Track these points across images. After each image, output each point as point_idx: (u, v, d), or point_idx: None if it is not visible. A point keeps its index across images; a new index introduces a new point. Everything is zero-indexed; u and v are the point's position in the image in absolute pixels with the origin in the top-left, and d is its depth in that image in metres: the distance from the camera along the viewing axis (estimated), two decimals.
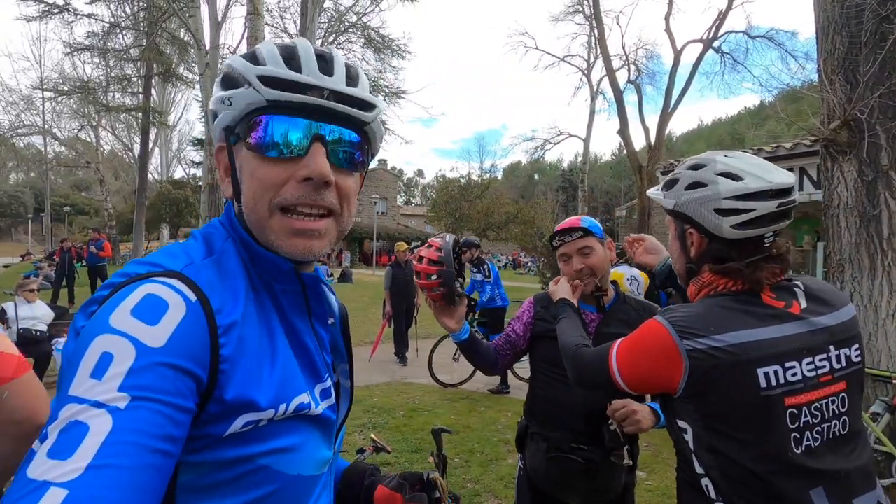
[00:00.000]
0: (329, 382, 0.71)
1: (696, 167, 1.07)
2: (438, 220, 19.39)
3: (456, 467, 3.66)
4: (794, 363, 0.91)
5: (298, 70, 0.60)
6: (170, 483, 0.50)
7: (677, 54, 20.03)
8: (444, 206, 18.54)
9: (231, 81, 0.62)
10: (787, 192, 0.98)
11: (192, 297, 0.54)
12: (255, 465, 0.58)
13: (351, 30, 21.27)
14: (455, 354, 6.71)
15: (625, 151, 21.96)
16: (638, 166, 19.56)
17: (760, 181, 0.97)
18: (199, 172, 25.85)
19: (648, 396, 1.48)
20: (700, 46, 19.91)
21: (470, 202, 17.69)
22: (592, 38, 23.05)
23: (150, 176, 24.83)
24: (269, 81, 0.59)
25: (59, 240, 13.85)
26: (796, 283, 1.03)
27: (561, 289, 1.57)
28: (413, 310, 7.27)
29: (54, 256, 12.33)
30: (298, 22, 18.41)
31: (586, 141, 27.77)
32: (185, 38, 16.57)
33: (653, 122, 20.27)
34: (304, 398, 0.63)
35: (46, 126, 23.36)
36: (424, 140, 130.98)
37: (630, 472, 1.60)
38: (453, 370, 6.35)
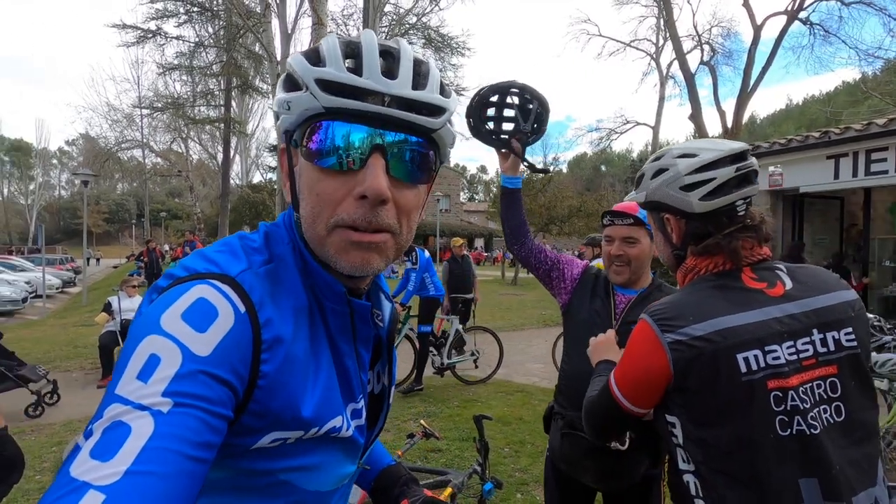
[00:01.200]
0: (361, 403, 0.70)
1: (656, 159, 1.13)
2: (499, 216, 19.29)
3: (506, 457, 3.72)
4: (776, 346, 0.89)
5: (359, 71, 0.55)
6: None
7: (757, 29, 18.48)
8: None
9: (291, 83, 0.58)
10: (741, 156, 1.02)
11: (242, 307, 0.54)
12: (276, 479, 0.59)
13: (411, 31, 21.72)
14: (475, 358, 6.41)
15: (698, 138, 20.62)
16: None
17: (714, 152, 1.03)
18: (274, 177, 27.57)
19: None
20: (784, 19, 18.23)
21: (531, 196, 17.41)
22: (661, 20, 21.86)
23: (231, 181, 26.87)
24: (327, 86, 0.54)
25: (145, 241, 15.24)
26: (778, 265, 1.01)
27: (604, 349, 1.37)
28: (470, 304, 7.36)
29: (142, 257, 13.43)
30: (361, 28, 19.12)
31: (655, 129, 26.41)
32: (260, 52, 17.77)
33: (730, 105, 18.88)
34: (338, 421, 0.63)
35: (144, 140, 25.98)
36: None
37: (654, 465, 1.56)
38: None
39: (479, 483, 2.68)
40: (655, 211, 1.14)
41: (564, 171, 53.45)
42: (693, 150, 1.06)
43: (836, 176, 6.95)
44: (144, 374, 0.48)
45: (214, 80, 19.58)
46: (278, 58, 16.70)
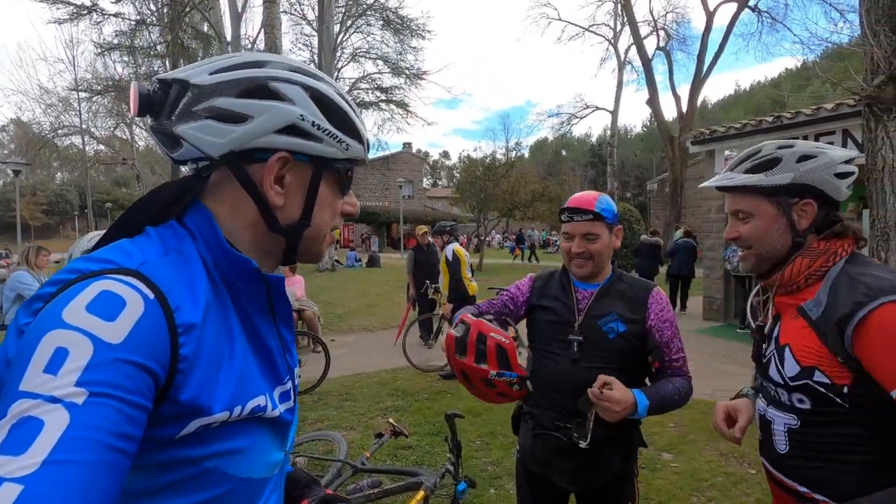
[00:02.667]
0: (290, 385, 0.72)
1: (785, 147, 1.15)
2: (464, 202, 19.21)
3: (477, 450, 3.65)
4: None
5: (365, 131, 0.75)
6: None
7: (709, 16, 18.97)
8: (469, 187, 18.32)
9: (343, 124, 0.69)
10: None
11: (150, 294, 0.53)
12: (202, 467, 0.57)
13: (369, 12, 21.09)
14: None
15: (655, 122, 21.14)
16: (669, 137, 18.84)
17: (840, 150, 1.15)
18: None
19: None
20: (734, 6, 18.77)
21: (494, 182, 17.40)
22: (618, 5, 22.10)
23: (183, 169, 25.58)
24: (367, 146, 0.74)
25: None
26: None
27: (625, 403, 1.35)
28: (437, 293, 7.25)
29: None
30: (317, 8, 18.39)
31: (614, 113, 26.89)
32: (208, 32, 16.81)
33: (684, 90, 19.39)
34: (261, 400, 0.63)
35: (84, 126, 24.27)
36: (448, 121, 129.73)
37: (627, 462, 1.55)
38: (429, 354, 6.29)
39: (453, 483, 2.58)
40: (791, 195, 1.13)
41: (526, 155, 53.90)
42: (813, 146, 1.15)
43: None
44: (52, 367, 0.46)
45: (159, 61, 18.45)
46: (228, 38, 15.85)
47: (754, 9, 18.99)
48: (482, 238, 20.43)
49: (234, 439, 0.60)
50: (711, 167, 8.49)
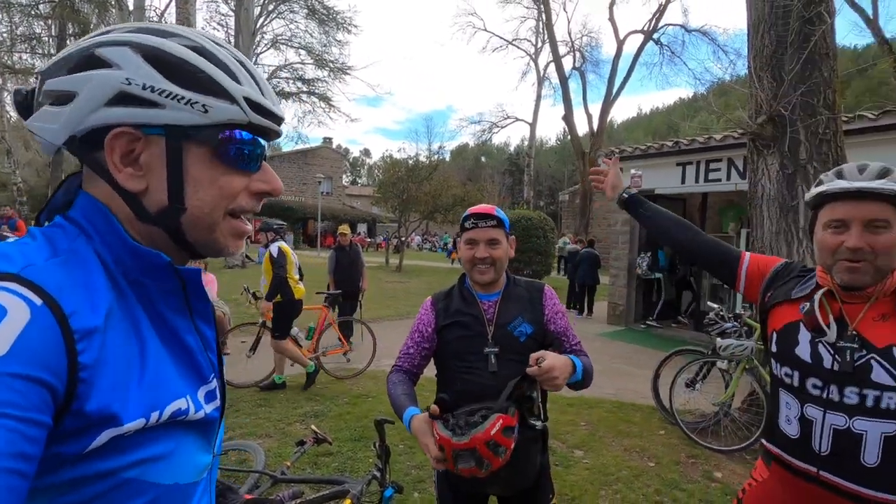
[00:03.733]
0: (215, 383, 0.68)
1: None
2: (385, 202, 19.04)
3: (400, 454, 3.64)
4: None
5: (263, 94, 0.63)
6: None
7: (620, 44, 20.60)
8: (391, 187, 18.22)
9: (192, 82, 0.58)
10: None
11: (38, 300, 0.48)
12: (119, 479, 0.53)
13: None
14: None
15: (569, 137, 22.49)
16: (581, 152, 20.12)
17: None
18: None
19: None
20: (641, 37, 20.57)
21: (417, 184, 17.47)
22: (540, 23, 23.26)
23: None
24: (253, 106, 0.61)
25: None
26: None
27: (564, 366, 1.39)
28: (358, 294, 7.13)
29: None
30: None
31: (532, 125, 28.23)
32: None
33: (595, 109, 20.84)
34: (182, 404, 0.59)
35: None
36: (369, 119, 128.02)
37: (544, 455, 1.65)
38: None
39: (379, 489, 2.56)
40: None
41: (448, 159, 54.70)
42: None
43: (683, 181, 8.02)
44: None
45: (42, 22, 16.18)
46: (130, 6, 14.35)
47: (657, 42, 20.96)
48: (402, 239, 20.40)
49: (155, 445, 0.56)
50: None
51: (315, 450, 3.38)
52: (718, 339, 3.96)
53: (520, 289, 1.67)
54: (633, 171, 8.67)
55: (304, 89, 23.03)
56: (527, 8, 24.07)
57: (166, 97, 0.56)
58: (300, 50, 22.56)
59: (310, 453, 3.44)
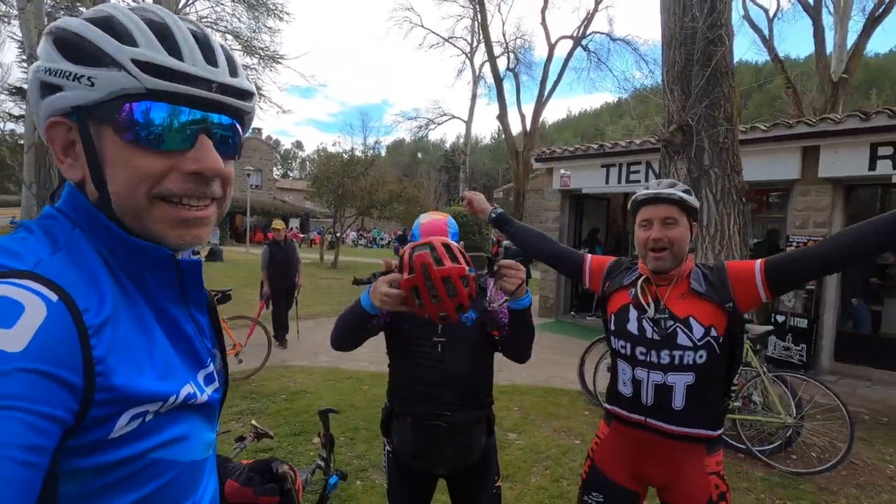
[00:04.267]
0: (212, 367, 0.70)
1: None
2: (319, 197, 18.59)
3: (342, 445, 3.69)
4: None
5: (180, 56, 0.56)
6: (49, 495, 0.48)
7: (551, 48, 21.46)
8: (326, 181, 17.83)
9: (83, 55, 0.54)
10: None
11: (53, 296, 0.49)
12: (147, 460, 0.57)
13: None
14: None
15: (503, 136, 23.13)
16: (515, 151, 20.77)
17: None
18: (18, 128, 21.45)
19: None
20: (571, 42, 21.55)
21: (353, 179, 17.23)
22: (476, 23, 23.67)
23: None
24: (149, 68, 0.54)
25: None
26: None
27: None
28: (294, 290, 7.00)
29: None
30: None
31: (468, 123, 28.69)
32: None
33: (529, 109, 21.59)
34: (190, 388, 0.62)
35: None
36: (301, 110, 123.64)
37: (489, 437, 1.75)
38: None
39: (323, 477, 2.62)
40: (694, 217, 1.57)
41: (384, 154, 54.12)
42: None
43: (607, 181, 8.60)
44: None
45: None
46: None
47: (585, 48, 22.08)
48: (338, 235, 20.05)
49: (174, 427, 0.59)
50: (550, 181, 9.70)
51: (255, 446, 3.35)
52: None
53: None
54: (562, 171, 9.16)
55: None
56: (462, 7, 24.44)
57: (63, 77, 0.54)
58: (227, 34, 21.40)
59: (250, 449, 3.40)
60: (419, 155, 59.38)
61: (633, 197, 1.64)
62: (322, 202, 18.94)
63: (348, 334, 1.65)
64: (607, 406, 1.69)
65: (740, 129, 6.37)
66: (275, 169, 46.07)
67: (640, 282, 1.61)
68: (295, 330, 6.97)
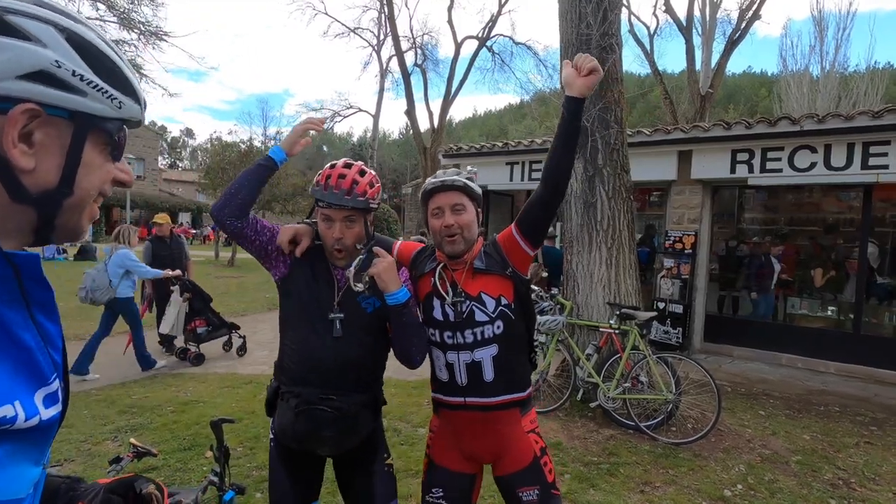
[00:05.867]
0: (56, 385, 0.60)
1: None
2: (214, 189, 17.20)
3: (240, 457, 3.42)
4: None
5: (141, 90, 0.67)
6: None
7: (457, 46, 21.81)
8: (221, 173, 16.52)
9: (113, 77, 0.61)
10: None
11: None
12: None
13: None
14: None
15: (411, 131, 23.12)
16: (423, 147, 20.85)
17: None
18: None
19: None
20: (476, 43, 22.07)
21: None
22: (383, 15, 23.31)
23: None
24: (144, 107, 0.66)
25: None
26: None
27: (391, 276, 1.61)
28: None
29: None
30: None
31: (376, 117, 28.26)
32: None
33: (436, 106, 21.78)
34: (8, 410, 0.51)
35: None
36: (193, 96, 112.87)
37: (376, 418, 1.72)
38: (175, 362, 5.82)
39: (218, 494, 2.39)
40: (479, 203, 1.69)
41: None
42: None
43: (511, 178, 8.93)
44: None
45: None
46: None
47: (490, 49, 22.74)
48: None
49: None
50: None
51: (135, 466, 2.97)
52: (538, 317, 4.57)
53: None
54: (469, 167, 9.32)
55: None
56: None
57: (91, 87, 0.58)
58: (99, 3, 18.91)
59: (129, 471, 3.01)
60: (324, 148, 57.42)
61: (423, 187, 1.73)
62: (216, 195, 17.55)
63: (244, 183, 1.64)
64: (434, 395, 1.75)
65: (627, 133, 6.97)
66: (160, 158, 41.73)
67: (438, 269, 1.71)
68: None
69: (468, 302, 1.63)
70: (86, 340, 5.26)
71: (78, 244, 18.59)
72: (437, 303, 1.67)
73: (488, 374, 1.62)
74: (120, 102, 0.61)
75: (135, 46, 19.99)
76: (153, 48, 20.46)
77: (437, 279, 1.69)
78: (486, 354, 1.62)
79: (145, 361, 5.44)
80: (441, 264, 1.71)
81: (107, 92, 0.60)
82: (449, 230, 1.64)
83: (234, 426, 3.89)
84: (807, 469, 3.64)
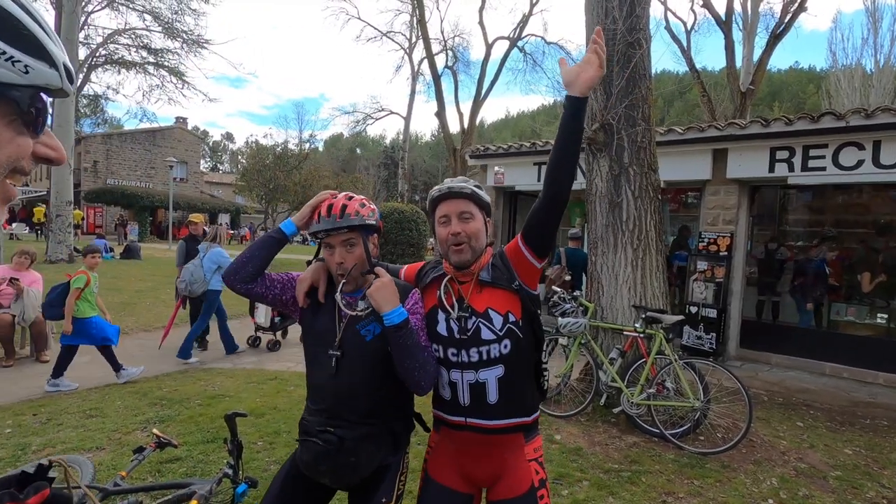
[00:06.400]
0: None
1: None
2: (250, 191, 17.75)
3: (259, 451, 3.49)
4: None
5: (67, 56, 0.60)
6: None
7: (488, 47, 21.73)
8: (257, 175, 17.03)
9: (17, 38, 0.54)
10: None
11: None
12: None
13: None
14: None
15: (442, 133, 23.19)
16: (453, 148, 20.87)
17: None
18: None
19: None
20: (507, 43, 21.94)
21: (286, 173, 16.57)
22: (414, 18, 23.49)
23: None
24: (68, 74, 0.59)
25: None
26: None
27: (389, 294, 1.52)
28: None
29: None
30: None
31: (407, 119, 28.48)
32: None
33: (467, 108, 21.76)
34: None
35: None
36: (232, 101, 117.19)
37: (394, 454, 1.62)
38: (203, 357, 5.97)
39: (232, 486, 2.44)
40: (488, 212, 1.65)
41: (321, 149, 52.62)
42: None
43: (539, 179, 8.80)
44: None
45: None
46: None
47: (521, 49, 22.58)
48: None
49: None
50: (484, 178, 9.81)
51: (158, 456, 3.08)
52: (560, 319, 4.47)
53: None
54: (496, 168, 9.28)
55: (151, 60, 20.38)
56: (401, 1, 24.20)
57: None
58: (145, 14, 19.87)
59: (152, 461, 3.13)
60: (357, 150, 58.31)
61: (430, 194, 1.68)
62: (252, 196, 18.12)
63: (255, 254, 1.66)
64: (434, 412, 1.67)
65: (659, 132, 6.74)
66: (202, 161, 43.35)
67: (444, 282, 1.64)
68: (216, 330, 6.59)
69: (474, 318, 1.55)
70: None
71: (123, 243, 19.51)
72: (441, 317, 1.60)
73: (492, 395, 1.54)
74: (26, 66, 0.54)
75: (177, 54, 20.94)
76: (195, 55, 21.37)
77: (442, 292, 1.62)
78: (490, 375, 1.54)
79: (230, 345, 6.26)
80: (448, 277, 1.64)
81: (7, 55, 0.53)
82: (456, 238, 1.57)
83: (255, 421, 3.99)
84: (847, 485, 3.41)
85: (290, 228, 1.68)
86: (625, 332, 4.36)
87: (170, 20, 19.52)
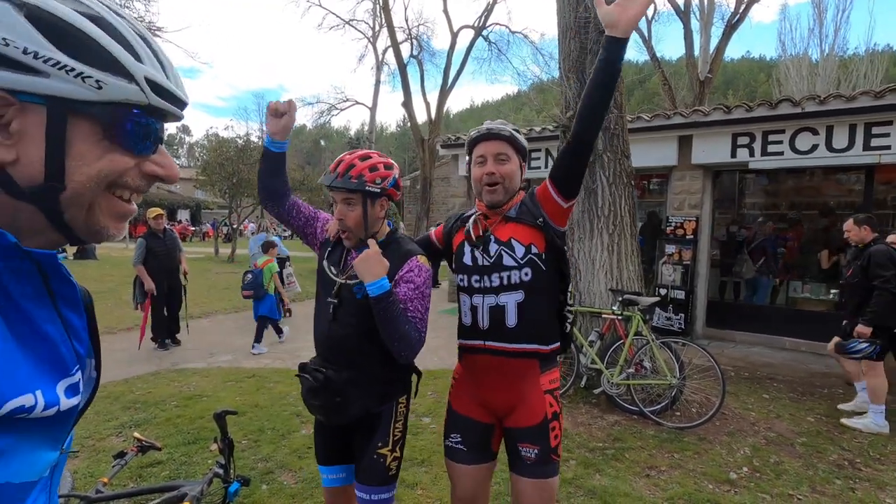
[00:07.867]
0: (78, 376, 0.61)
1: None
2: (212, 185, 17.11)
3: (244, 449, 3.42)
4: None
5: (167, 76, 0.60)
6: None
7: (453, 36, 21.60)
8: (219, 168, 16.44)
9: (85, 53, 0.53)
10: None
11: None
12: None
13: None
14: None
15: (409, 124, 22.97)
16: (420, 139, 20.74)
17: None
18: None
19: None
20: (472, 32, 21.87)
21: (249, 166, 16.06)
22: (377, 6, 23.06)
23: None
24: (155, 88, 0.58)
25: None
26: None
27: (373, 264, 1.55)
28: (180, 288, 6.35)
29: None
30: None
31: (372, 110, 28.08)
32: None
33: (433, 98, 21.63)
34: (27, 400, 0.52)
35: None
36: (189, 93, 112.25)
37: (381, 404, 1.69)
38: (174, 358, 5.80)
39: (223, 486, 2.38)
40: (524, 155, 1.73)
41: None
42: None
43: None
44: None
45: None
46: None
47: (486, 38, 22.53)
48: (234, 227, 18.67)
49: None
50: (455, 169, 9.80)
51: (139, 460, 2.98)
52: None
53: (392, 248, 1.66)
54: (467, 157, 9.29)
55: None
56: None
57: (52, 66, 0.51)
58: None
59: (133, 466, 3.02)
60: (322, 142, 57.16)
61: (468, 135, 1.74)
62: (215, 191, 17.48)
63: (259, 177, 1.84)
64: (459, 342, 1.77)
65: (627, 119, 6.90)
66: None
67: (473, 216, 1.75)
68: (186, 329, 6.38)
69: (497, 246, 1.64)
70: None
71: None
72: (468, 249, 1.71)
73: (511, 319, 1.61)
74: (98, 82, 0.53)
75: None
76: None
77: (470, 224, 1.72)
78: (510, 299, 1.61)
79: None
80: (478, 213, 1.74)
81: (76, 71, 0.52)
82: (490, 178, 1.64)
83: (238, 419, 3.89)
84: (812, 450, 3.63)
85: (266, 140, 1.80)
86: (603, 315, 4.47)
87: (118, 5, 18.48)
